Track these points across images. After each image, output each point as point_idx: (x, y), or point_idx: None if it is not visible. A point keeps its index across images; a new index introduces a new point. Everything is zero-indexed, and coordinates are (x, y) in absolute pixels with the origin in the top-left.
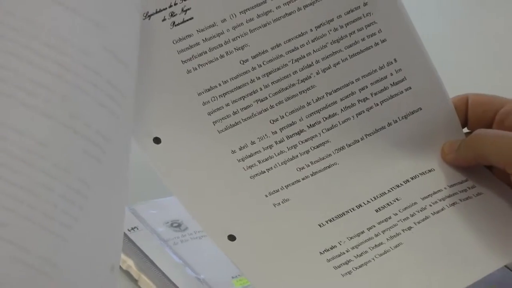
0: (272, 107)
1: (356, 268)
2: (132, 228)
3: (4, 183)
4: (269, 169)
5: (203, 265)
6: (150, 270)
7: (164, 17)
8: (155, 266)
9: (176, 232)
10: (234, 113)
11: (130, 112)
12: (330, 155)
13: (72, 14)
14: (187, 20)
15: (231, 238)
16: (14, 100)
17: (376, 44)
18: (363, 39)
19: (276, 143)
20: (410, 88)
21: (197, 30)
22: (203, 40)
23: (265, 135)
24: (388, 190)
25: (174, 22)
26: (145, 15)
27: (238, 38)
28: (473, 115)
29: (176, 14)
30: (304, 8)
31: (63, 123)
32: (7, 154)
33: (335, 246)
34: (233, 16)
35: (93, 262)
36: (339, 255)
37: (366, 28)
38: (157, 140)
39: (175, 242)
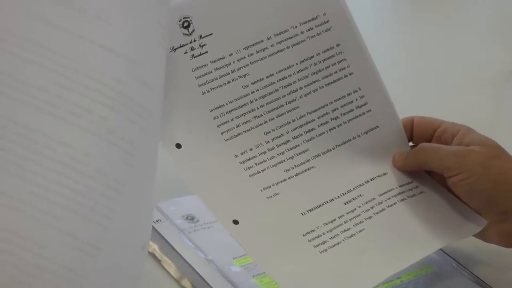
0: (266, 122)
1: (330, 247)
2: (157, 221)
3: (56, 185)
4: (263, 170)
5: (210, 249)
6: (170, 252)
7: (186, 50)
8: (174, 250)
9: (190, 224)
10: (237, 126)
11: (157, 126)
12: (309, 160)
13: (109, 53)
14: (203, 54)
15: (235, 222)
16: (65, 121)
17: (345, 76)
18: (335, 72)
19: (268, 150)
20: (370, 110)
21: (210, 61)
22: (214, 69)
23: (260, 143)
24: (353, 188)
25: (193, 55)
26: (171, 48)
27: (241, 68)
28: (417, 132)
29: (195, 48)
30: (292, 47)
31: (103, 138)
32: (58, 162)
33: (314, 230)
34: (238, 52)
35: (129, 243)
36: (317, 237)
37: (338, 64)
38: (178, 146)
39: (189, 231)
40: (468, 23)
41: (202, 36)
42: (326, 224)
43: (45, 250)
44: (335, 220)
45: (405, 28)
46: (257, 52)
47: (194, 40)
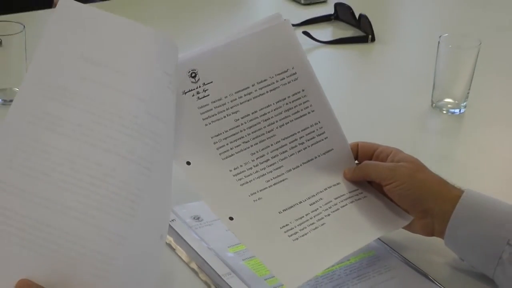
0: (251, 146)
1: (300, 236)
2: (172, 220)
3: (92, 194)
4: (250, 181)
5: (211, 240)
6: (182, 243)
7: (193, 94)
8: (184, 241)
9: (196, 222)
10: (231, 148)
11: (169, 147)
12: (283, 173)
13: (127, 96)
14: (206, 96)
15: (231, 218)
16: (97, 147)
17: (309, 112)
18: (301, 110)
19: (253, 166)
20: (327, 137)
21: (211, 102)
22: (214, 107)
23: (248, 161)
24: (316, 194)
25: (199, 97)
26: (183, 92)
27: (233, 107)
28: (361, 153)
29: (200, 92)
30: (270, 92)
31: (125, 157)
32: (93, 177)
33: (288, 224)
34: (231, 95)
35: (149, 234)
36: (291, 229)
37: (303, 104)
38: (188, 163)
39: (196, 227)
40: (397, 74)
41: (205, 83)
42: (296, 219)
43: (85, 240)
44: (303, 217)
45: (352, 77)
46: (245, 95)
47: (199, 86)
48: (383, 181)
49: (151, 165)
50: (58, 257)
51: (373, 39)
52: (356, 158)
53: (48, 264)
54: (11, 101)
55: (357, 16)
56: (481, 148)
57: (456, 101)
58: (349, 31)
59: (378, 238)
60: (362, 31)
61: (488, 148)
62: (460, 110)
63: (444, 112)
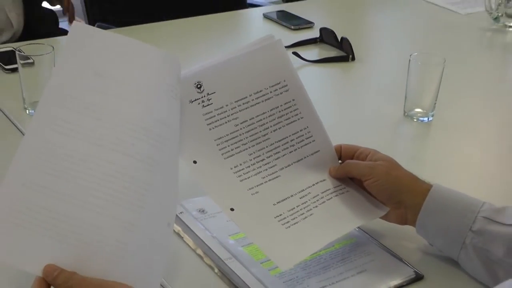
0: (249, 147)
1: (292, 224)
2: (180, 212)
3: (106, 189)
4: (248, 177)
5: (214, 229)
6: (189, 232)
7: (199, 102)
8: (191, 230)
9: (201, 214)
10: (231, 150)
11: (173, 147)
12: (276, 171)
13: (133, 103)
14: (210, 104)
15: (232, 209)
16: (108, 149)
17: (298, 119)
18: (292, 116)
19: (251, 165)
20: (314, 140)
21: (214, 109)
22: (217, 114)
23: (246, 161)
24: (305, 188)
25: (203, 105)
26: (190, 101)
27: (233, 114)
28: (344, 153)
29: (204, 101)
30: (265, 101)
31: (133, 157)
32: (107, 174)
33: (281, 214)
34: (231, 103)
35: (157, 221)
36: (283, 218)
37: (293, 111)
38: (195, 162)
39: (201, 219)
40: (374, 87)
41: (209, 93)
42: (288, 210)
43: (101, 229)
44: (294, 208)
45: (335, 90)
46: (243, 104)
47: (204, 96)
48: (363, 177)
49: (157, 163)
50: (79, 245)
51: (353, 59)
52: (339, 158)
53: (70, 251)
54: None
55: (339, 39)
56: (446, 150)
57: (424, 111)
58: (332, 52)
59: (359, 227)
60: (343, 52)
61: (452, 150)
62: (428, 119)
63: (415, 120)
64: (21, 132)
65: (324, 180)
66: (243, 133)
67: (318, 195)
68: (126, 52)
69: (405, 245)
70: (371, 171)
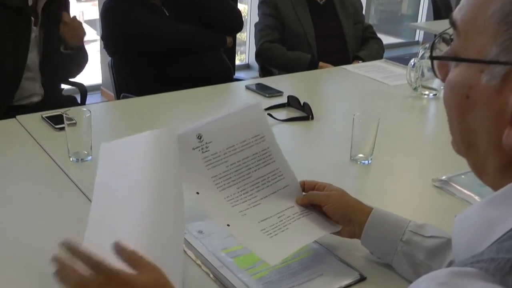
0: (237, 183)
1: (274, 235)
2: (184, 233)
3: (135, 222)
4: (238, 204)
5: (209, 245)
6: (191, 247)
7: (199, 149)
8: (192, 246)
9: (200, 234)
10: (224, 184)
11: (178, 192)
12: (257, 200)
13: (147, 179)
14: (207, 151)
15: (228, 225)
16: (133, 201)
17: (272, 162)
18: (267, 160)
19: (240, 195)
20: (284, 178)
21: (211, 154)
22: (213, 158)
23: (235, 193)
24: (280, 212)
25: (202, 151)
26: (192, 148)
27: (224, 158)
28: (306, 187)
29: (203, 148)
30: (248, 148)
31: (150, 205)
32: (132, 214)
33: (265, 228)
34: (223, 150)
35: (172, 241)
36: (267, 231)
37: (268, 156)
38: (197, 193)
39: (200, 237)
40: (328, 139)
41: (207, 143)
42: (270, 226)
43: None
44: (273, 224)
45: (299, 142)
46: (232, 150)
47: (203, 145)
48: (322, 203)
49: (167, 206)
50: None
51: (312, 118)
52: (303, 190)
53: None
54: (82, 160)
55: (302, 103)
56: (381, 184)
57: (365, 156)
58: (297, 113)
59: (318, 242)
60: (305, 113)
61: (385, 185)
62: (368, 161)
63: (358, 163)
64: (66, 174)
65: (293, 206)
66: (232, 173)
67: (290, 216)
68: (139, 145)
69: (352, 254)
70: (328, 198)
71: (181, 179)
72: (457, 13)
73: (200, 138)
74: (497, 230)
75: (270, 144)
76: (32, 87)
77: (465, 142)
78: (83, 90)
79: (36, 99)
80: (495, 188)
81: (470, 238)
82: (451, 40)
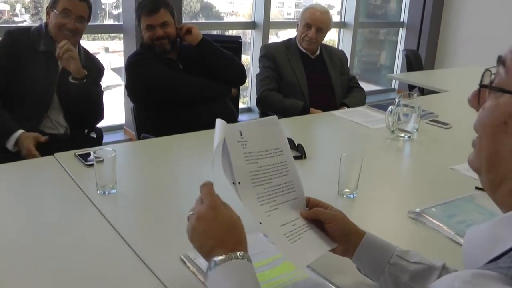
0: (264, 184)
1: (294, 241)
2: (194, 258)
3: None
4: (264, 203)
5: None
6: (200, 271)
7: (241, 144)
8: (202, 270)
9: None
10: (256, 182)
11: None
12: (276, 205)
13: None
14: (246, 147)
15: (260, 223)
16: None
17: (288, 174)
18: (284, 171)
19: (265, 196)
20: (295, 191)
21: (248, 152)
22: (249, 155)
23: (262, 192)
24: (292, 220)
25: (244, 146)
26: (237, 141)
27: (256, 159)
28: (311, 203)
29: (244, 144)
30: (270, 157)
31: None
32: None
33: (286, 233)
34: (254, 152)
35: None
36: (288, 236)
37: (285, 168)
38: (239, 183)
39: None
40: (319, 176)
41: (246, 140)
42: (289, 232)
43: None
44: (291, 231)
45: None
46: (260, 155)
47: (244, 141)
48: (328, 221)
49: None
50: None
51: (305, 157)
52: (307, 206)
53: None
54: (108, 192)
55: (296, 144)
56: (365, 216)
57: (351, 190)
58: (291, 153)
59: (310, 266)
60: (299, 153)
61: (369, 217)
62: (353, 195)
63: (345, 197)
64: (94, 204)
65: (298, 218)
66: (261, 173)
67: (300, 226)
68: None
69: (340, 274)
70: (333, 217)
71: (230, 167)
72: (507, 54)
73: (241, 134)
74: (503, 246)
75: (287, 158)
76: (56, 117)
77: (489, 161)
78: (100, 133)
79: (62, 130)
80: (504, 207)
81: (479, 250)
82: (491, 75)
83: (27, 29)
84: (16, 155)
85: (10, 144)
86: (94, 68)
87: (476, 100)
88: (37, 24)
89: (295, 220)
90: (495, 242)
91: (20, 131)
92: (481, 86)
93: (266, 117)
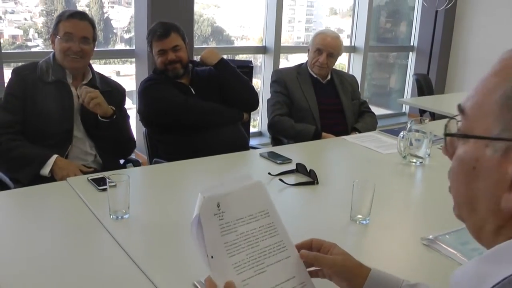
0: (246, 249)
1: None
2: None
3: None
4: (243, 271)
5: None
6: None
7: (217, 216)
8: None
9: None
10: (233, 251)
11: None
12: (264, 267)
13: None
14: (222, 219)
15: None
16: None
17: (276, 235)
18: (272, 232)
19: (248, 261)
20: (286, 249)
21: (225, 223)
22: (226, 226)
23: (244, 259)
24: (281, 283)
25: (220, 218)
26: (214, 214)
27: (235, 227)
28: (314, 245)
29: (220, 215)
30: (255, 221)
31: None
32: None
33: None
34: (233, 220)
35: None
36: None
37: (273, 229)
38: (212, 257)
39: None
40: (331, 202)
41: (223, 212)
42: None
43: None
44: None
45: (305, 204)
46: (241, 222)
47: (221, 212)
48: (327, 267)
49: None
50: None
51: (317, 183)
52: (310, 249)
53: None
54: (121, 217)
55: (308, 170)
56: (378, 243)
57: (363, 216)
58: (304, 178)
59: None
60: (311, 178)
61: (382, 243)
62: (366, 221)
63: (357, 222)
64: (106, 229)
65: (294, 277)
66: (241, 241)
67: (295, 286)
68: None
69: None
70: (333, 263)
71: (203, 240)
72: (466, 102)
73: (219, 206)
74: (488, 282)
75: (274, 219)
76: (83, 146)
77: (468, 207)
78: (137, 163)
79: (90, 158)
80: (489, 246)
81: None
82: (457, 123)
83: (34, 64)
84: (39, 180)
85: (46, 170)
86: (115, 94)
87: (446, 150)
88: (49, 50)
89: (284, 282)
90: (482, 278)
91: (55, 156)
92: (446, 135)
93: (250, 181)
